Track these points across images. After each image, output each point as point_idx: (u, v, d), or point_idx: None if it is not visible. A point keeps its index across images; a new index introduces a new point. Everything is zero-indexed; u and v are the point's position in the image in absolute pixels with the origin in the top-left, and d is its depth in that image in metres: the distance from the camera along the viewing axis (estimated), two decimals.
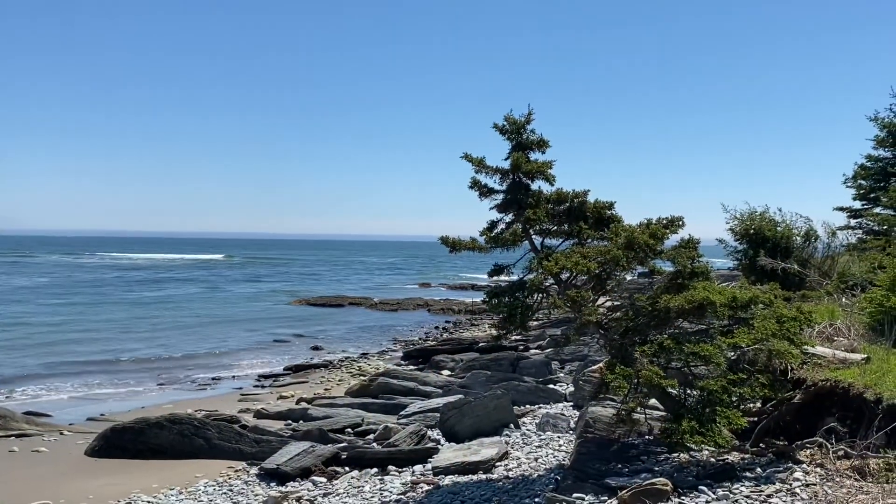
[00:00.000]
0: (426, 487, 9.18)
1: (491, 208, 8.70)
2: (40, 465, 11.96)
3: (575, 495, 6.99)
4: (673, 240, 8.20)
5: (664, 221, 8.15)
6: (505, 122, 8.60)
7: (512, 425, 12.05)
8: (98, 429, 13.71)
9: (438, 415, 12.67)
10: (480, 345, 23.92)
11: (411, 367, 21.88)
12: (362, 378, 19.23)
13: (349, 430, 13.43)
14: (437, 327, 34.13)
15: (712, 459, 7.50)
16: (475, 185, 8.66)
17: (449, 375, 18.82)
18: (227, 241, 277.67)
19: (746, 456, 7.41)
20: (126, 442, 12.33)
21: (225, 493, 9.82)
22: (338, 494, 9.42)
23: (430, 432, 12.07)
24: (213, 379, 20.95)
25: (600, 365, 9.82)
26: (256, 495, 9.66)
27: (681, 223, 8.19)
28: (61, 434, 14.09)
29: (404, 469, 10.39)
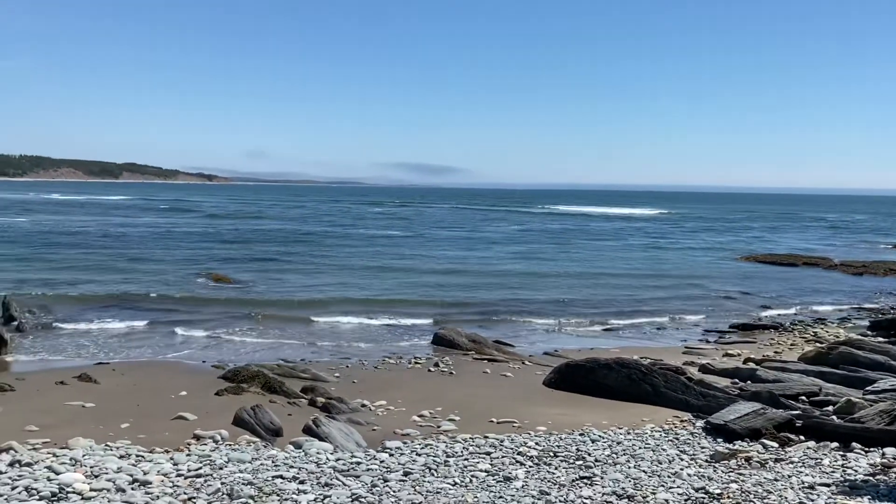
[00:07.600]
0: None
1: None
2: (507, 388, 13.64)
3: None
4: None
5: None
6: None
7: None
8: (553, 363, 15.08)
9: None
10: None
11: (880, 338, 19.18)
12: (818, 345, 17.57)
13: (803, 397, 12.42)
14: None
15: None
16: None
17: None
18: (671, 194, 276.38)
19: None
20: (578, 378, 13.31)
21: (671, 441, 9.95)
22: (792, 462, 8.83)
23: None
24: (657, 329, 21.28)
25: None
26: (703, 448, 9.58)
27: None
28: (523, 364, 15.84)
29: (871, 449, 9.27)
